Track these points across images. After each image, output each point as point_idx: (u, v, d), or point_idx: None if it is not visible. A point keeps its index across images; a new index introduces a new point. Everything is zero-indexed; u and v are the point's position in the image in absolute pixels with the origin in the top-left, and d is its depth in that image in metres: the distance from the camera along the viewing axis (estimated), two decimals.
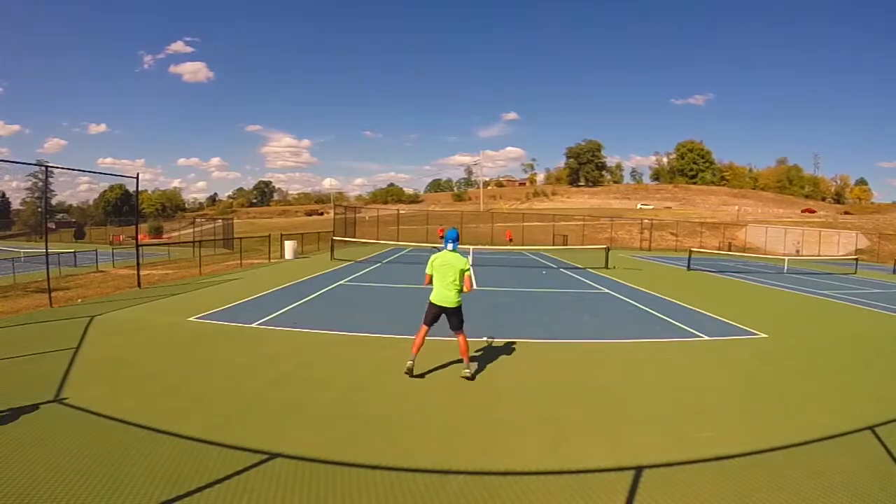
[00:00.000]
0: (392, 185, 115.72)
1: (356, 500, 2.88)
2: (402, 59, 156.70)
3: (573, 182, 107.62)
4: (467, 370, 5.08)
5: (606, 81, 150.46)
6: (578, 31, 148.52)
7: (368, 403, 4.47)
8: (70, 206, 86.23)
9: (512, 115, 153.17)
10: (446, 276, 5.04)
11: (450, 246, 5.14)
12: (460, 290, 5.11)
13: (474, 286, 5.15)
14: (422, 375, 5.27)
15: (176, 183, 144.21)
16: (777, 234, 47.12)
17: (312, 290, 11.13)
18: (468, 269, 5.14)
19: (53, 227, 57.21)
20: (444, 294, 5.06)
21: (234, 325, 7.42)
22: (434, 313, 5.14)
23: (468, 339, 5.32)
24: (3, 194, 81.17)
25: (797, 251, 41.05)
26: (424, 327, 5.16)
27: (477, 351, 6.21)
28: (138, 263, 11.87)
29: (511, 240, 39.66)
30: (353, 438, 3.72)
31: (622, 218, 54.26)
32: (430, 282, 5.22)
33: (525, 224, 48.36)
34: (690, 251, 22.25)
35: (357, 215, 37.72)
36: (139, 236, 20.02)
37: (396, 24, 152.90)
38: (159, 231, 61.50)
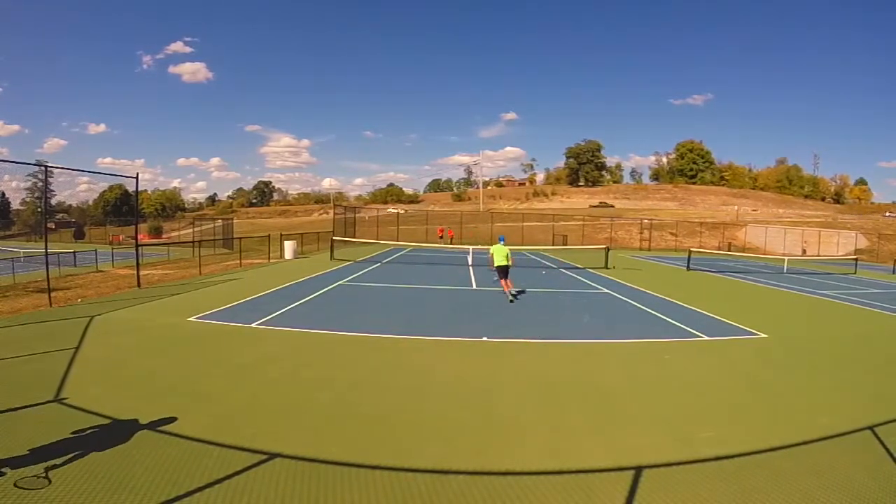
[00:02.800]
0: (392, 185, 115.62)
1: (356, 500, 2.88)
2: (402, 58, 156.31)
3: (573, 182, 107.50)
4: (511, 295, 10.24)
5: (606, 82, 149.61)
6: (577, 31, 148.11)
7: (368, 403, 4.48)
8: (70, 206, 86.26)
9: (511, 116, 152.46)
10: (500, 253, 10.84)
11: (501, 243, 11.12)
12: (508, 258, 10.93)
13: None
14: (421, 375, 5.28)
15: (175, 183, 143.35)
16: (777, 234, 47.13)
17: (312, 290, 11.13)
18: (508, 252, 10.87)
19: (53, 227, 57.20)
20: (501, 260, 10.80)
21: (234, 326, 7.42)
22: (501, 270, 10.77)
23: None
24: (3, 194, 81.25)
25: (803, 251, 40.95)
26: (502, 280, 10.79)
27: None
28: (138, 263, 11.86)
29: (451, 238, 36.87)
30: (353, 438, 3.72)
31: (622, 218, 54.28)
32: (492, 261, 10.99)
33: (525, 224, 48.34)
34: (690, 251, 22.25)
35: (357, 215, 37.69)
36: (139, 236, 20.01)
37: (396, 24, 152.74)
38: (159, 231, 61.46)
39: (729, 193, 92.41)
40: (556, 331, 7.77)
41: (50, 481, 2.85)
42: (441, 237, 39.22)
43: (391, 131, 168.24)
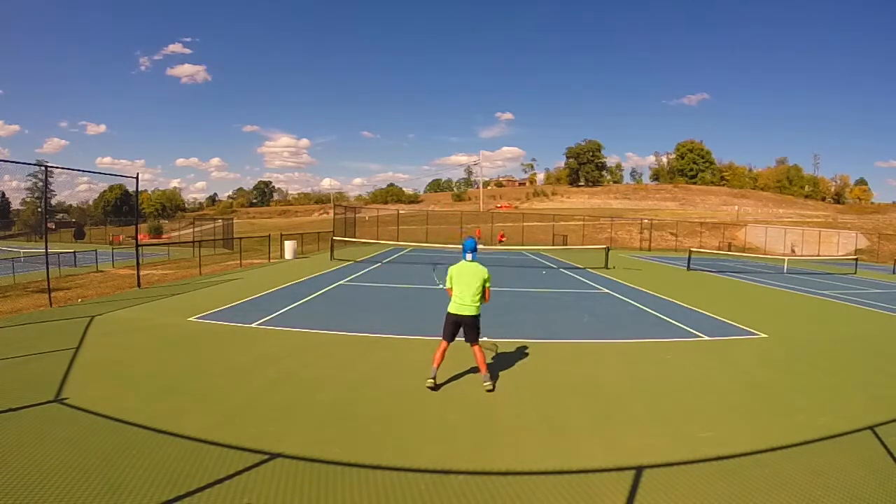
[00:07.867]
0: (392, 185, 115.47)
1: (356, 500, 2.88)
2: (401, 58, 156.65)
3: (573, 182, 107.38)
4: (488, 382, 4.84)
5: (604, 82, 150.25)
6: (575, 31, 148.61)
7: (368, 403, 4.47)
8: (70, 206, 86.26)
9: (508, 115, 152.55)
10: (469, 286, 4.83)
11: (468, 256, 4.98)
12: (480, 301, 4.91)
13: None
14: (421, 375, 5.27)
15: (175, 183, 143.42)
16: (777, 234, 47.10)
17: (312, 290, 11.12)
18: (489, 280, 4.95)
19: (53, 227, 57.17)
20: (462, 304, 4.85)
21: (234, 325, 7.42)
22: (453, 324, 4.90)
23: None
24: (3, 194, 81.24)
25: (792, 250, 40.97)
26: (444, 343, 4.94)
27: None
28: (138, 263, 11.86)
29: (502, 240, 39.48)
30: (353, 438, 3.72)
31: (622, 218, 54.27)
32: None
33: (525, 224, 48.34)
34: (690, 251, 22.25)
35: (357, 216, 37.69)
36: (139, 236, 20.01)
37: (395, 24, 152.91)
38: (159, 231, 61.47)
39: (729, 193, 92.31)
40: (556, 331, 7.77)
41: None
42: (502, 240, 38.89)
43: (390, 131, 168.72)
